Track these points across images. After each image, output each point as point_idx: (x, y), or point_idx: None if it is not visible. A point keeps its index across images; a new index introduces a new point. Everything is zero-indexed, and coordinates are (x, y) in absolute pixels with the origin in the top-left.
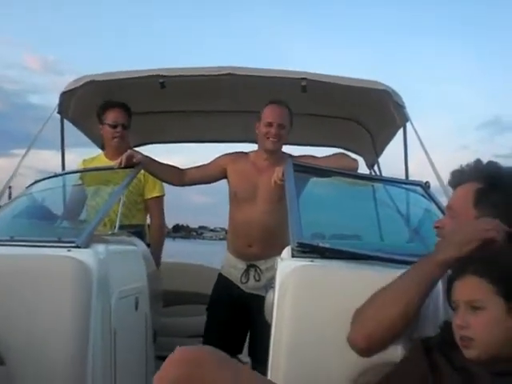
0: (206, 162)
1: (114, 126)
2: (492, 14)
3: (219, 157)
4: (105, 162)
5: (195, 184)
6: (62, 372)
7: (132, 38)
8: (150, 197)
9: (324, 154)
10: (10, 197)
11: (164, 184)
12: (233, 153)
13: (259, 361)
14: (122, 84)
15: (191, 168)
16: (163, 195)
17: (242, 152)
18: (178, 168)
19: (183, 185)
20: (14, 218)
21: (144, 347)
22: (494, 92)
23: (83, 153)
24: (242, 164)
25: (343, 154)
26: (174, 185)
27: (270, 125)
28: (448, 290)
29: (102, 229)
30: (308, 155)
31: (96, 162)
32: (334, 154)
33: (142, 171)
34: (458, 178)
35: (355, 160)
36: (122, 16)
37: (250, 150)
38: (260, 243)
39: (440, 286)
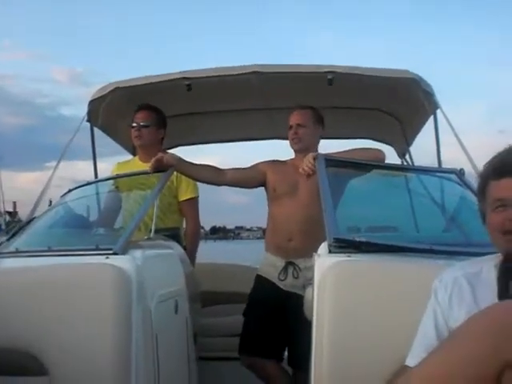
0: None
1: (133, 127)
2: None
3: (258, 163)
4: (138, 164)
5: (232, 185)
6: (105, 379)
7: (158, 44)
8: (183, 199)
9: (354, 147)
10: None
11: (199, 185)
12: (271, 160)
13: (300, 366)
14: (148, 89)
15: (229, 169)
16: (197, 196)
17: (279, 160)
18: (214, 167)
19: (219, 184)
20: (50, 228)
21: (185, 349)
22: None
23: (116, 162)
24: (281, 166)
25: (367, 147)
26: (210, 184)
27: (290, 128)
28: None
29: (138, 234)
30: (336, 152)
31: (130, 165)
32: (356, 149)
33: (175, 173)
34: (503, 167)
35: (380, 150)
36: (147, 23)
37: (277, 148)
38: (300, 237)
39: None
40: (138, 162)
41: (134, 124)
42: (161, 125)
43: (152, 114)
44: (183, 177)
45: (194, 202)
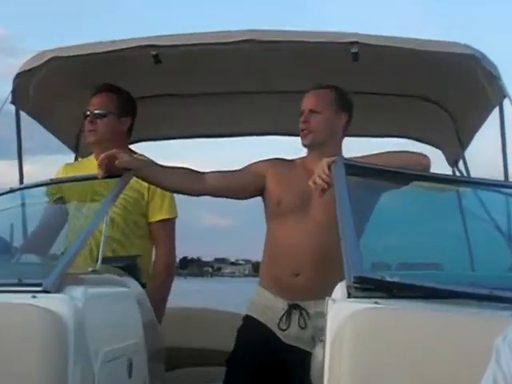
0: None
1: (86, 117)
2: None
3: (254, 163)
4: (95, 166)
5: (216, 195)
6: None
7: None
8: (156, 219)
9: (387, 148)
10: None
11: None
12: (272, 158)
13: None
14: (100, 60)
15: (212, 172)
16: (174, 217)
17: (285, 159)
18: (190, 170)
19: (198, 193)
20: None
21: None
22: None
23: (50, 162)
24: (286, 169)
25: (404, 150)
26: (184, 193)
27: (301, 114)
28: None
29: (82, 263)
30: (361, 156)
31: (84, 167)
32: (388, 152)
33: (146, 184)
34: None
35: (423, 155)
36: None
37: (287, 147)
38: (311, 271)
39: None
40: (95, 163)
41: (87, 113)
42: (125, 111)
43: (112, 97)
44: (158, 189)
45: (169, 224)
